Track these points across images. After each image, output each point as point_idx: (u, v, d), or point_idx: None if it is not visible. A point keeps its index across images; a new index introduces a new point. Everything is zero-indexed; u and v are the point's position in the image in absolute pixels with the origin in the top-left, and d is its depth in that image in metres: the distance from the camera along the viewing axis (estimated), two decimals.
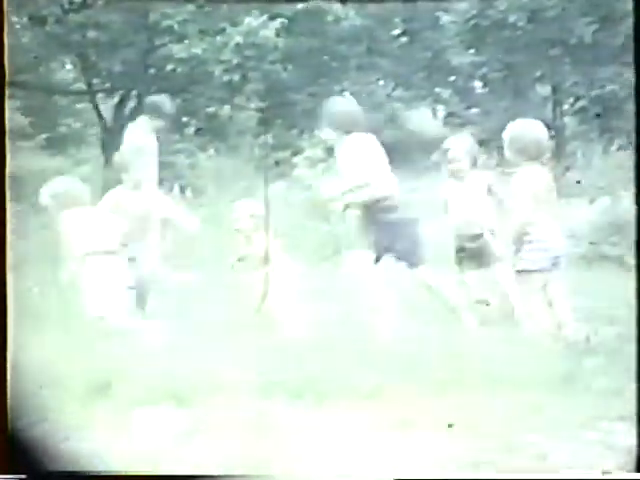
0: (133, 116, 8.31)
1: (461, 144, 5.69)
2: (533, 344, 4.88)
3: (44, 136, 8.78)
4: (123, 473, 3.88)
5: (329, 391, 4.38)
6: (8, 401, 4.24)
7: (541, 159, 5.10)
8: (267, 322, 5.33)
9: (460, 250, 5.53)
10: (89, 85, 8.28)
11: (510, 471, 3.84)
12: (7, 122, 4.41)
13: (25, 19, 7.85)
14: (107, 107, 8.26)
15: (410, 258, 5.31)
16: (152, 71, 8.08)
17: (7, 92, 8.17)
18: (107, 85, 8.32)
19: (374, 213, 5.32)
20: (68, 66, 8.33)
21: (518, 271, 5.06)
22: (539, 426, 4.09)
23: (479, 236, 5.53)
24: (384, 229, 5.30)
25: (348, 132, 5.42)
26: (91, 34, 7.86)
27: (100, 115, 8.24)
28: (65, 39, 7.82)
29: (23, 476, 4.00)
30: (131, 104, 8.28)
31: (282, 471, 3.86)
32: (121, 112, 8.28)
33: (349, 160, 5.39)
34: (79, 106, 8.34)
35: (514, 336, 5.02)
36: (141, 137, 6.18)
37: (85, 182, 6.30)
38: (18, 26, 7.95)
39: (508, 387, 4.40)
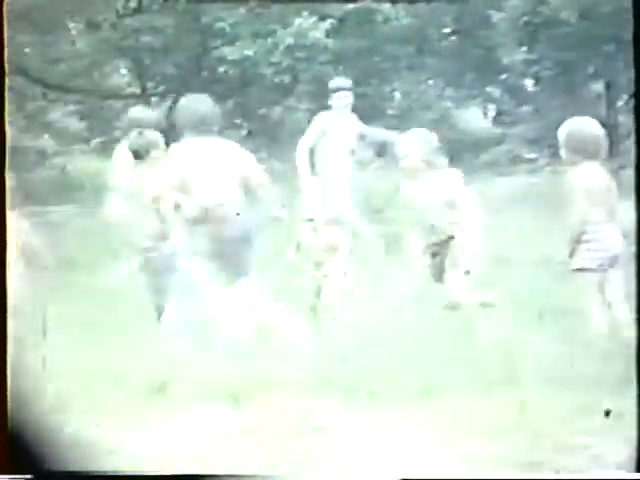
0: None
1: (411, 139, 5.41)
2: (588, 344, 4.84)
3: (99, 140, 8.92)
4: (125, 473, 3.89)
5: (381, 390, 4.38)
6: (8, 401, 4.23)
7: (598, 157, 5.06)
8: (322, 319, 5.35)
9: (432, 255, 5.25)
10: (143, 89, 8.40)
11: (567, 471, 3.82)
12: (7, 123, 4.41)
13: (82, 25, 7.98)
14: (160, 110, 8.36)
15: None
16: (205, 74, 8.17)
17: (62, 97, 8.30)
18: (160, 89, 8.43)
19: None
20: (122, 70, 8.45)
21: (574, 270, 5.03)
22: (594, 428, 4.06)
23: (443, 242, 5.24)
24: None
25: (202, 133, 5.18)
26: (145, 38, 7.97)
27: None
28: (119, 44, 7.94)
29: (29, 476, 4.00)
30: None
31: (331, 471, 3.88)
32: (174, 115, 8.38)
33: (178, 163, 5.20)
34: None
35: (570, 336, 4.99)
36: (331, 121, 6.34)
37: None
38: (74, 32, 8.09)
39: (563, 388, 4.37)
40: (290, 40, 7.76)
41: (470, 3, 8.10)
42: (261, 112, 8.06)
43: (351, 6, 7.99)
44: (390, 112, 8.39)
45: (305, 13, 7.84)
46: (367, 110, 8.31)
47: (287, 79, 7.84)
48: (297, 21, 7.79)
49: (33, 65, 8.29)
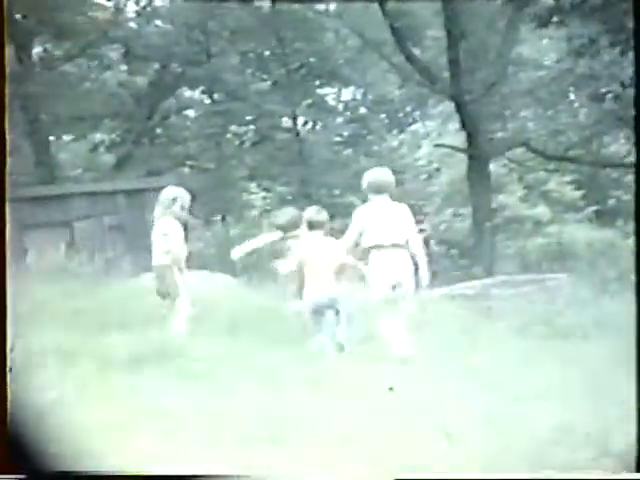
0: None
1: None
2: None
3: (593, 208, 8.90)
4: (123, 473, 3.85)
5: None
6: (8, 402, 4.23)
7: None
8: None
9: None
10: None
11: None
12: (7, 123, 4.61)
13: (584, 98, 8.23)
14: None
15: None
16: None
17: (560, 167, 8.55)
18: None
19: None
20: (621, 140, 8.48)
21: None
22: None
23: None
24: None
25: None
26: None
27: None
28: (620, 114, 7.98)
29: (22, 476, 4.00)
30: None
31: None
32: None
33: None
34: (628, 178, 8.42)
35: None
36: None
37: None
38: (576, 104, 8.38)
39: None
40: None
41: None
42: None
43: None
44: None
45: None
46: None
47: None
48: None
49: (533, 137, 8.63)
